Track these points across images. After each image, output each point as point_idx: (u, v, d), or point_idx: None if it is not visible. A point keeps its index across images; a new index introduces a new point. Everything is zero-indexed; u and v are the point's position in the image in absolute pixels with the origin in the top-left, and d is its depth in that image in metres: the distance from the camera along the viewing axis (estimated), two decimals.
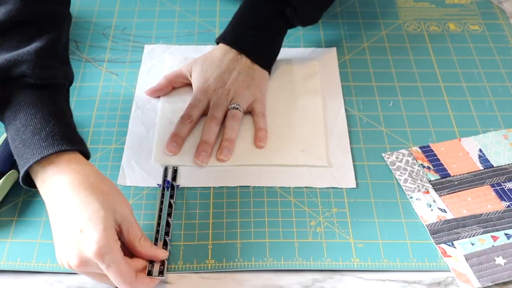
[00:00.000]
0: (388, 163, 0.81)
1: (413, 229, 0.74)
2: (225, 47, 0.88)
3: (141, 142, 0.83)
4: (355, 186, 0.78)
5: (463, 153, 0.82)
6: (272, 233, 0.73)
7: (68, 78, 0.73)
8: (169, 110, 0.87)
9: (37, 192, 0.76)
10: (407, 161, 0.81)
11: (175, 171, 0.79)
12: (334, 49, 0.97)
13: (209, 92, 0.85)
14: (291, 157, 0.81)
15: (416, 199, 0.76)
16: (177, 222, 0.74)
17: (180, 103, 0.88)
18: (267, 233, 0.73)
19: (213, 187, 0.78)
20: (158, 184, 0.77)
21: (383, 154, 0.82)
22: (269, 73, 0.90)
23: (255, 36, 0.88)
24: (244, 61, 0.87)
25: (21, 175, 0.66)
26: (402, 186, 0.78)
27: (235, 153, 0.81)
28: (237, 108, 0.84)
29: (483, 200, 0.76)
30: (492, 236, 0.72)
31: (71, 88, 0.89)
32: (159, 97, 0.89)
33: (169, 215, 0.74)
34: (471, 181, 0.78)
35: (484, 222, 0.74)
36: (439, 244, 0.72)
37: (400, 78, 0.93)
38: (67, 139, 0.66)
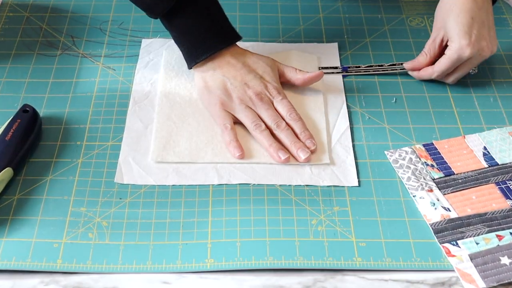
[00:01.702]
0: (391, 161, 0.80)
1: (416, 228, 0.73)
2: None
3: (138, 139, 0.82)
4: (357, 185, 0.77)
5: (467, 150, 0.81)
6: (272, 231, 0.72)
7: None
8: (167, 105, 0.85)
9: (32, 190, 0.75)
10: (410, 159, 0.80)
11: None
12: (336, 44, 0.96)
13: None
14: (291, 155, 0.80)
15: (420, 198, 0.75)
16: (176, 220, 0.73)
17: (178, 98, 0.86)
18: (267, 232, 0.72)
19: (212, 185, 0.77)
20: None
21: (385, 152, 0.81)
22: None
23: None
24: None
25: (205, 55, 0.83)
26: (405, 185, 0.77)
27: None
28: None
29: (488, 199, 0.75)
30: (497, 235, 0.71)
31: (66, 84, 0.89)
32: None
33: None
34: (475, 179, 0.77)
35: (489, 221, 0.73)
36: (443, 243, 0.71)
37: (403, 74, 0.91)
38: (233, 32, 0.85)
